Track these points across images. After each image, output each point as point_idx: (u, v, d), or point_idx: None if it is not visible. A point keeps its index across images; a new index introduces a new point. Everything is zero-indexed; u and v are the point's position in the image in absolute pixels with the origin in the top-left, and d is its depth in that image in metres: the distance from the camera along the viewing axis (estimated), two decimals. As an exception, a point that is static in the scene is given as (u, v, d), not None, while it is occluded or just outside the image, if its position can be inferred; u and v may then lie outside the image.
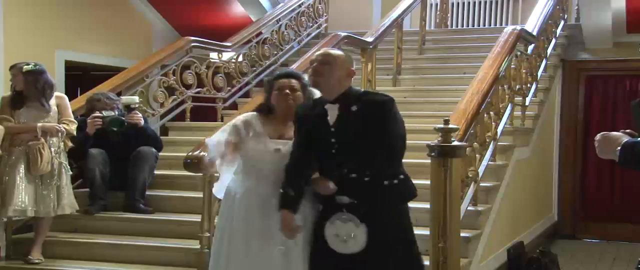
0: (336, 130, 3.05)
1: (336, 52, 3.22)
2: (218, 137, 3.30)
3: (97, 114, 5.09)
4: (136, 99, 5.60)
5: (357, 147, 2.98)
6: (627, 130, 2.44)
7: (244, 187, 3.23)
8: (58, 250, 4.80)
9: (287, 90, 3.24)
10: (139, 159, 5.15)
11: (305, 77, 3.32)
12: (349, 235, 2.99)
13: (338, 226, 3.02)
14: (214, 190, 3.62)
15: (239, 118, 3.36)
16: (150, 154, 5.20)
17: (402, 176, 3.06)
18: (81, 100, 5.55)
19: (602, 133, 2.43)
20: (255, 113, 3.36)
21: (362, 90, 3.13)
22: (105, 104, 5.19)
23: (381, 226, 3.01)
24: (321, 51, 3.21)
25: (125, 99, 5.55)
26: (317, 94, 3.22)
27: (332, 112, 3.06)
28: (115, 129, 5.09)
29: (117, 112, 5.20)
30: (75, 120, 4.86)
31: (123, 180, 5.14)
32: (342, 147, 3.03)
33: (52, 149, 4.64)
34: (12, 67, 4.77)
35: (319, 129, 3.08)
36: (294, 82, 3.27)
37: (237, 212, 3.22)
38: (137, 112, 5.30)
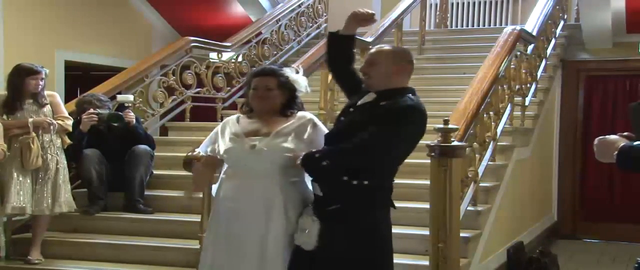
0: (353, 111, 2.98)
1: (384, 48, 3.07)
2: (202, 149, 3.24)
3: (92, 111, 5.06)
4: (130, 97, 5.59)
5: (351, 134, 2.85)
6: (625, 134, 2.45)
7: (227, 188, 3.12)
8: (58, 250, 4.80)
9: (260, 92, 3.10)
10: (134, 158, 5.15)
11: (287, 71, 3.16)
12: (304, 228, 2.92)
13: (303, 218, 2.96)
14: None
15: (219, 125, 3.24)
16: (145, 152, 5.20)
17: (376, 182, 2.87)
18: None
19: (599, 137, 2.45)
20: (238, 115, 3.25)
21: (411, 96, 2.93)
22: (96, 105, 5.16)
23: (341, 230, 2.86)
24: (373, 49, 3.08)
25: (120, 97, 5.54)
26: (301, 85, 3.15)
27: (366, 99, 2.97)
28: (115, 124, 5.09)
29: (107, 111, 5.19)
30: (69, 116, 4.86)
31: (120, 180, 5.14)
32: (343, 129, 2.95)
33: (55, 146, 4.66)
34: (36, 71, 4.67)
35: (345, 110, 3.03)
36: (270, 81, 3.10)
37: (220, 215, 3.12)
38: (130, 111, 5.28)
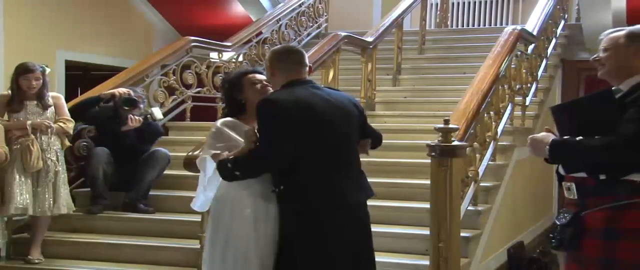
0: None
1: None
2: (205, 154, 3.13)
3: (115, 91, 5.26)
4: (159, 114, 5.62)
5: None
6: (546, 127, 2.69)
7: (249, 190, 3.03)
8: (58, 250, 4.80)
9: (264, 83, 3.25)
10: (152, 160, 5.18)
11: None
12: None
13: None
14: (196, 206, 3.35)
15: (217, 124, 3.19)
16: (165, 156, 5.24)
17: (282, 187, 2.96)
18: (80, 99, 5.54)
19: (530, 136, 2.65)
20: (230, 118, 3.22)
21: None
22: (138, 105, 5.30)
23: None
24: None
25: (154, 110, 5.62)
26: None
27: None
28: (126, 107, 5.18)
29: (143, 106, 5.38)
30: (71, 119, 4.86)
31: (126, 181, 5.14)
32: None
33: (54, 148, 4.67)
34: (28, 70, 4.65)
35: None
36: (262, 76, 3.31)
37: (246, 216, 3.02)
38: (135, 115, 5.23)
